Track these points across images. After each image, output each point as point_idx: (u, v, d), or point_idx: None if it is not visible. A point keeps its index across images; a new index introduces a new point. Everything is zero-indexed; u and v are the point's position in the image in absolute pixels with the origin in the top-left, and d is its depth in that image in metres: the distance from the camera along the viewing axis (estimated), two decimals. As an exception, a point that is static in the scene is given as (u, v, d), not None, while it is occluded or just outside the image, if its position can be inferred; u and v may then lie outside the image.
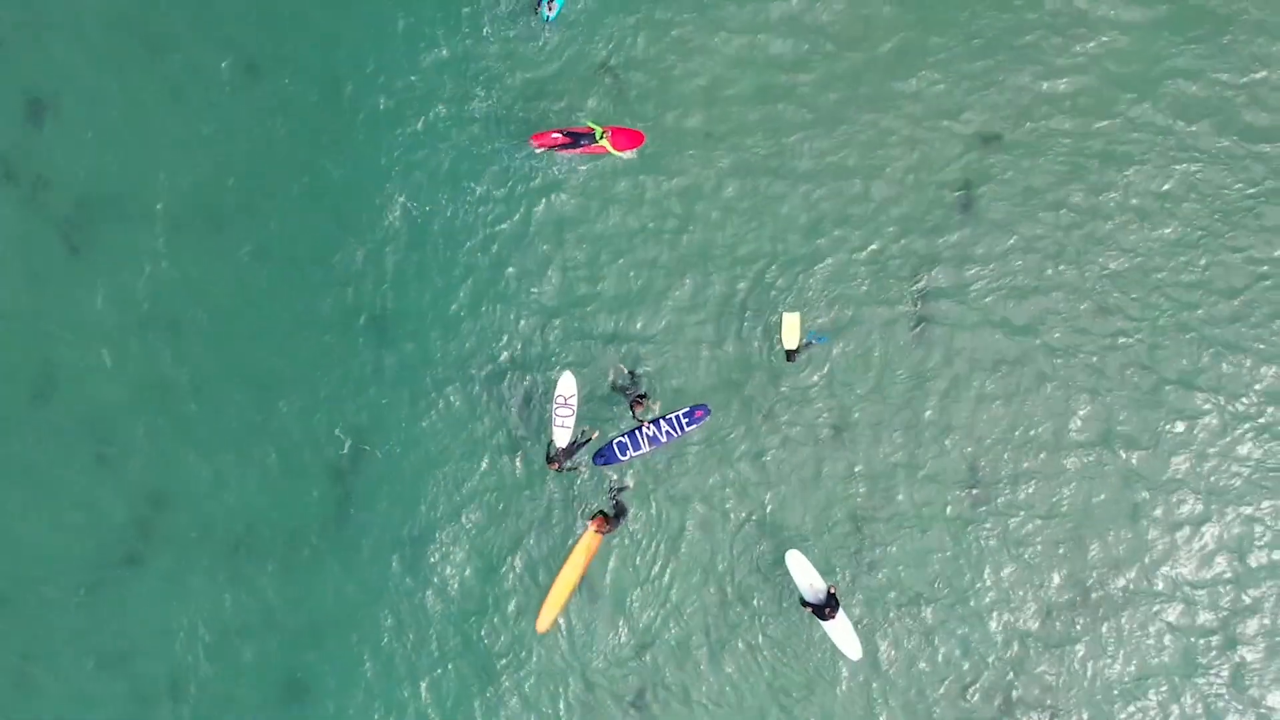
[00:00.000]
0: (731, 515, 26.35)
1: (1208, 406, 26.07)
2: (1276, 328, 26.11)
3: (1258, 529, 25.92)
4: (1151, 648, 25.93)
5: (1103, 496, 26.04)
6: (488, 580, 26.63)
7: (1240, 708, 25.79)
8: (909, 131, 26.45)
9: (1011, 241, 26.36)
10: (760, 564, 26.24)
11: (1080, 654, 25.97)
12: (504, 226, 26.87)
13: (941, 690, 26.01)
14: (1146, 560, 25.95)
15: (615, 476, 26.30)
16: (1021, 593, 26.04)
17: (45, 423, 27.10)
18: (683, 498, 26.41)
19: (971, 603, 26.04)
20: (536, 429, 26.49)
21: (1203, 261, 26.20)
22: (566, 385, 25.69)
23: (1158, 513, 26.01)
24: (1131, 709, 25.89)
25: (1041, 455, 26.15)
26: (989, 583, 26.05)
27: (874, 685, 26.00)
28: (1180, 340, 26.12)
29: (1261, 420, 26.04)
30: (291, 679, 26.73)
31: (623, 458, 26.15)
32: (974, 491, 26.16)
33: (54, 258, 27.35)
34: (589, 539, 25.82)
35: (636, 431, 26.02)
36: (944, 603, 26.07)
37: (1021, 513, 26.11)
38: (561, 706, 26.38)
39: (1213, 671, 25.87)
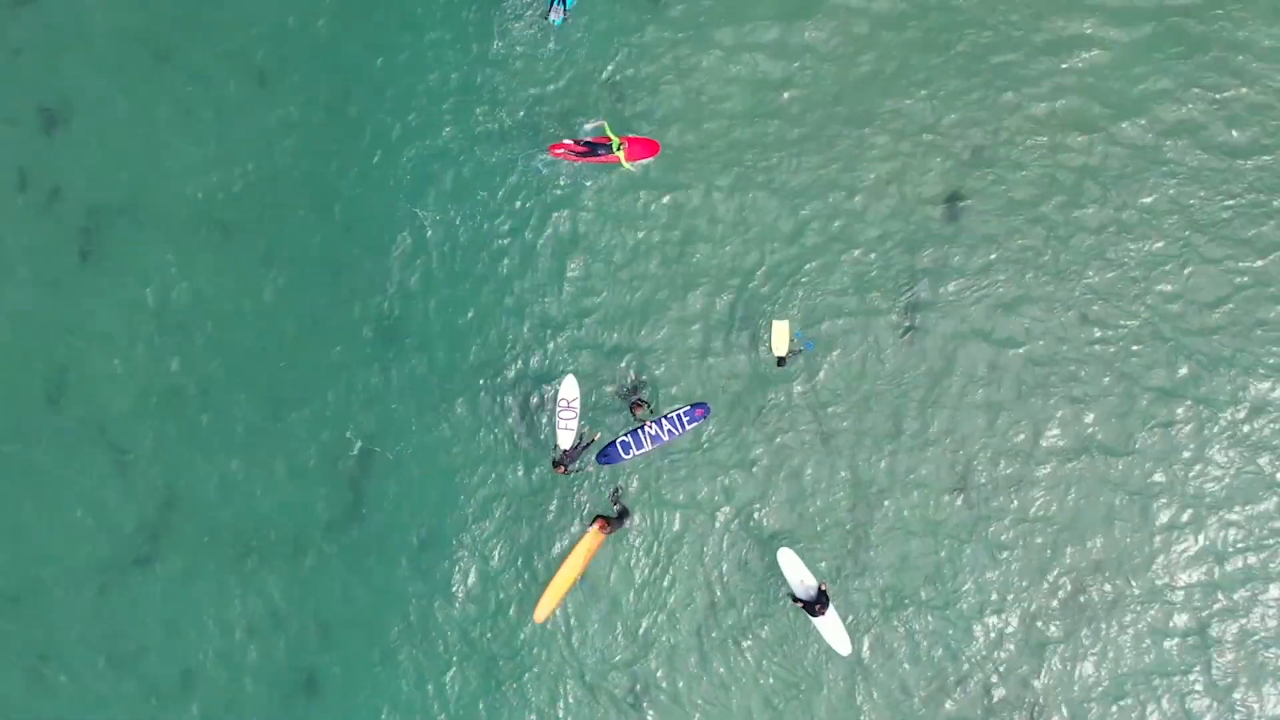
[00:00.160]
0: (725, 517, 26.79)
1: (1188, 415, 26.44)
2: (1255, 338, 26.45)
3: (1236, 534, 26.26)
4: (1132, 649, 26.25)
5: (1085, 501, 26.41)
6: (491, 581, 27.02)
7: (1218, 708, 26.05)
8: (897, 147, 26.93)
9: (996, 254, 26.79)
10: (752, 563, 26.65)
11: (1062, 654, 26.29)
12: (508, 238, 27.35)
13: (926, 688, 26.36)
14: (1128, 564, 26.31)
15: (618, 486, 26.75)
16: (1005, 594, 26.40)
17: (58, 427, 27.58)
18: (678, 501, 26.85)
19: (957, 603, 26.41)
20: (541, 434, 26.97)
21: (1184, 273, 26.59)
22: (569, 389, 26.31)
23: (1139, 518, 26.36)
24: (1112, 709, 26.18)
25: (1026, 461, 26.54)
26: (974, 584, 26.43)
27: (862, 681, 26.38)
28: (1160, 349, 26.49)
29: (1244, 429, 26.38)
30: (300, 677, 27.09)
31: (626, 456, 26.65)
32: (960, 495, 26.55)
33: (67, 265, 27.83)
34: (591, 537, 26.30)
35: (639, 430, 26.54)
36: (930, 603, 26.44)
37: (1007, 516, 26.50)
38: (561, 704, 26.78)
39: (1191, 672, 26.13)
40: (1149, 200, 26.71)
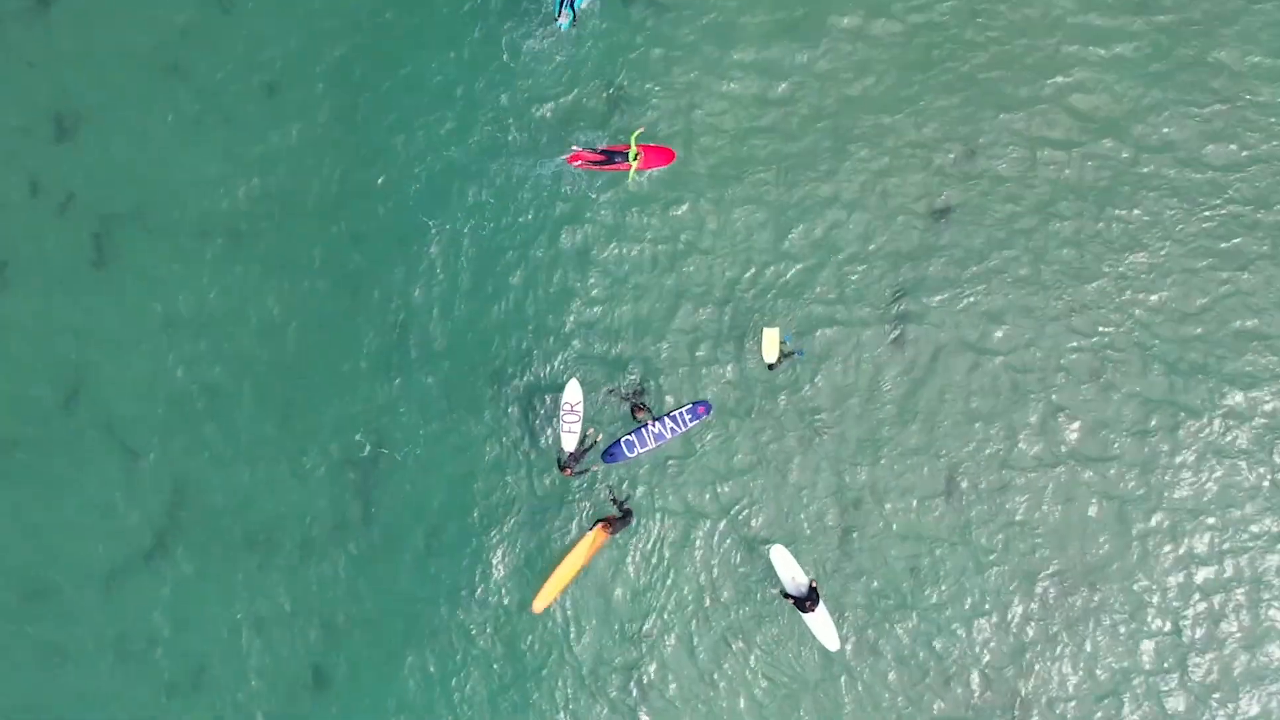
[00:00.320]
0: (719, 520, 27.21)
1: (1167, 422, 26.96)
2: (1237, 348, 27.00)
3: (1214, 538, 26.74)
4: (1112, 650, 26.67)
5: (1067, 506, 26.88)
6: (496, 582, 27.34)
7: (1197, 707, 26.44)
8: (887, 163, 27.52)
9: (981, 265, 27.37)
10: (745, 562, 27.06)
11: (1048, 655, 26.69)
12: (514, 249, 27.76)
13: (912, 685, 26.77)
14: (1109, 567, 26.76)
15: (613, 488, 27.20)
16: (993, 595, 26.82)
17: (71, 430, 27.86)
18: (673, 505, 27.27)
19: (944, 603, 26.84)
20: (546, 436, 27.41)
21: (1164, 283, 27.18)
22: (572, 392, 26.87)
23: (1119, 523, 26.81)
24: (1097, 710, 26.54)
25: (1014, 466, 27.01)
26: (962, 585, 26.86)
27: (850, 680, 26.76)
28: (1146, 359, 27.01)
29: (1222, 437, 26.89)
30: (307, 675, 27.37)
31: (631, 455, 27.15)
32: (946, 499, 27.03)
33: (79, 271, 28.13)
34: (594, 536, 26.71)
35: (643, 429, 27.08)
36: (918, 602, 26.88)
37: (991, 520, 26.96)
38: (560, 701, 27.13)
39: (1176, 673, 26.53)
40: (1130, 213, 27.32)
